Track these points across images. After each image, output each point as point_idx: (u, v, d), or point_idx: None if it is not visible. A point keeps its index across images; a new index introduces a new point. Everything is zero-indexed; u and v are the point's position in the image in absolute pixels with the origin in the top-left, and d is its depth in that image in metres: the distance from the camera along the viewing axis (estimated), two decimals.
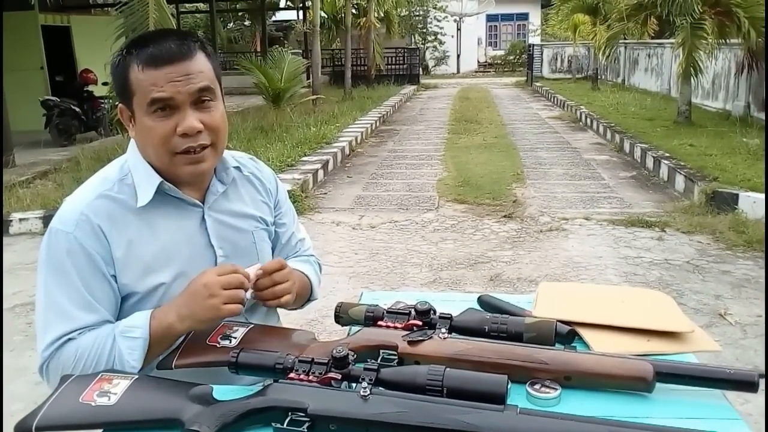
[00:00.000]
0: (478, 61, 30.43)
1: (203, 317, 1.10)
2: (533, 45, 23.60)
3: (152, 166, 1.20)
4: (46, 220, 5.60)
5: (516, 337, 1.10)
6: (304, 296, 1.41)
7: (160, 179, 1.19)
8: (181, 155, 1.17)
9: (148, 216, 1.19)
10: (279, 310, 1.53)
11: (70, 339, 1.11)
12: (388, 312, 1.17)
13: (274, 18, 27.99)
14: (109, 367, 1.09)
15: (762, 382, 0.99)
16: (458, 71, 29.11)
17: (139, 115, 1.16)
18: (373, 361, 0.98)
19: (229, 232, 1.28)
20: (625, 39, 14.06)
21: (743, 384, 0.99)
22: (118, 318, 1.17)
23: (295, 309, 1.41)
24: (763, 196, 5.40)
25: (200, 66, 1.16)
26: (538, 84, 20.12)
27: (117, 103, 1.23)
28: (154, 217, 1.20)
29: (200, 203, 1.25)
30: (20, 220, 5.77)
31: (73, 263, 1.13)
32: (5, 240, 5.41)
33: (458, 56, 29.36)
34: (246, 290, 1.13)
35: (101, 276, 1.15)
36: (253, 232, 1.33)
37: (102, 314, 1.14)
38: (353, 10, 17.80)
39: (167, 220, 1.21)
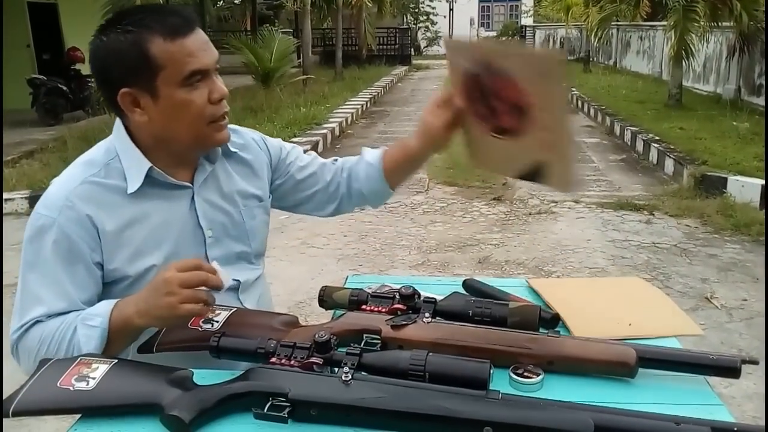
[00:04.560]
0: None
1: (159, 315, 1.03)
2: (525, 26, 23.56)
3: (141, 149, 1.16)
4: (32, 200, 5.55)
5: (500, 321, 1.10)
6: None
7: (150, 165, 1.16)
8: (213, 123, 1.15)
9: (138, 200, 1.16)
10: (271, 289, 1.50)
11: (38, 322, 1.10)
12: (372, 296, 1.16)
13: None
14: (69, 354, 1.06)
15: (744, 368, 0.99)
16: None
17: (168, 91, 1.09)
18: (355, 345, 0.97)
19: (217, 213, 1.25)
20: (617, 21, 14.00)
21: (726, 370, 0.99)
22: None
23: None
24: (750, 179, 5.42)
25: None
26: None
27: (119, 89, 1.10)
28: (144, 200, 1.17)
29: (189, 184, 1.22)
30: (6, 200, 5.71)
31: (53, 249, 1.11)
32: None
33: (450, 37, 29.19)
34: (212, 287, 1.05)
35: (82, 263, 1.13)
36: (242, 211, 1.29)
37: (74, 302, 1.12)
38: None
39: (157, 203, 1.18)
